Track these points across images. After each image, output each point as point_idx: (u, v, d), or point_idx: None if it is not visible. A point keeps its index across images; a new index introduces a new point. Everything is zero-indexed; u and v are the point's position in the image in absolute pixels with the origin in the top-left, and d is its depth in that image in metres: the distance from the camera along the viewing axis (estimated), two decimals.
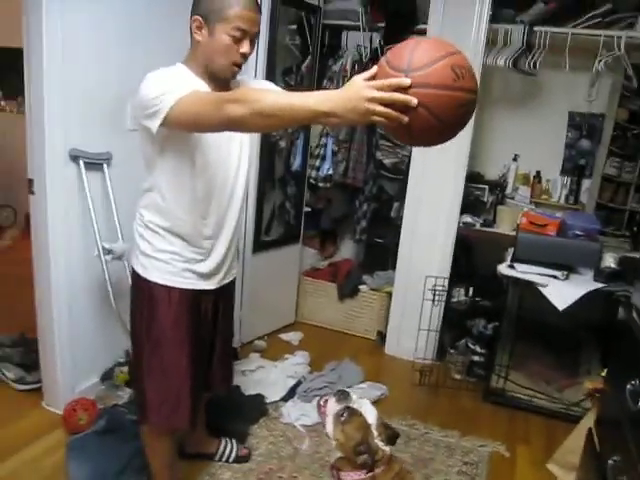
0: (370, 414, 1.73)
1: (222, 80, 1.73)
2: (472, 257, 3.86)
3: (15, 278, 2.51)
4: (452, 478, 2.41)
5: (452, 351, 3.51)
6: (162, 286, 1.81)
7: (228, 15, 1.60)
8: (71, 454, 2.25)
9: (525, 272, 2.91)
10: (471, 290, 3.54)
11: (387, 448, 1.72)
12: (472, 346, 3.44)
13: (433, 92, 1.21)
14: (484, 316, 3.57)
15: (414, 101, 1.20)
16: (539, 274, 2.88)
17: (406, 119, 1.23)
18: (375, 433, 1.70)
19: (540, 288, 2.84)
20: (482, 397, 3.14)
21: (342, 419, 1.69)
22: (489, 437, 2.74)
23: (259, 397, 2.83)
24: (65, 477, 2.17)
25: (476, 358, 3.38)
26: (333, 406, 1.75)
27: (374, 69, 1.29)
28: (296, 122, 1.39)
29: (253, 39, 1.69)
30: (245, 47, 1.66)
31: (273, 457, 2.44)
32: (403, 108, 1.21)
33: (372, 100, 1.22)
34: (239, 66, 1.71)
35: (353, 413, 1.71)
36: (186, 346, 1.85)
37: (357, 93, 1.24)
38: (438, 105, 1.22)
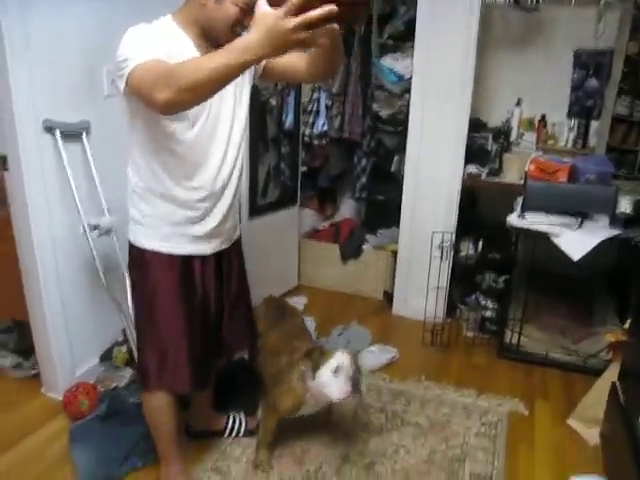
0: None
1: (218, 45, 1.57)
2: (479, 209, 3.72)
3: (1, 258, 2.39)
4: (471, 440, 2.32)
5: (462, 307, 3.40)
6: (150, 252, 1.75)
7: None
8: (75, 441, 2.18)
9: (536, 222, 2.76)
10: (480, 243, 3.40)
11: None
12: (483, 301, 3.33)
13: None
14: (493, 269, 3.45)
15: (333, 8, 1.10)
16: (551, 223, 2.74)
17: (336, 27, 1.21)
18: None
19: (553, 238, 2.70)
20: (496, 353, 3.04)
21: None
22: (506, 395, 2.65)
23: None
24: (70, 465, 2.09)
25: (488, 313, 3.27)
26: None
27: None
28: (228, 81, 1.31)
29: None
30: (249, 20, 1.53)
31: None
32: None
33: (295, 30, 1.13)
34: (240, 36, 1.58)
35: None
36: (180, 313, 1.78)
37: (276, 30, 1.15)
38: None
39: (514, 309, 3.06)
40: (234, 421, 2.31)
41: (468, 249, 3.54)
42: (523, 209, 2.85)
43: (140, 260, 1.77)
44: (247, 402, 2.47)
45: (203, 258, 1.82)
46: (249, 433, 2.31)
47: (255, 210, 3.27)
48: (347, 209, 4.15)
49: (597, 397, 2.38)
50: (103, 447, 2.11)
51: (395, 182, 3.51)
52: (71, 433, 2.20)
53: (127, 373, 2.52)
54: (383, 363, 2.88)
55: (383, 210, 3.72)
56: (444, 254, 3.10)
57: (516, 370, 2.91)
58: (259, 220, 3.31)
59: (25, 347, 2.65)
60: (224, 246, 1.88)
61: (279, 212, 3.54)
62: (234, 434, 2.30)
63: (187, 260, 1.78)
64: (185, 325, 1.79)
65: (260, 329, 2.30)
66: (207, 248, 1.81)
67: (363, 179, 3.73)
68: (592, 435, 2.35)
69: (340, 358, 1.90)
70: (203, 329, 1.86)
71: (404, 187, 3.35)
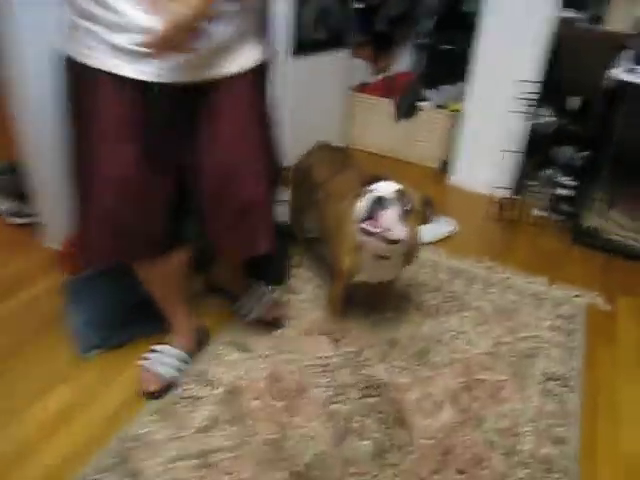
0: None
1: None
2: (562, 68, 3.09)
3: None
4: (544, 334, 1.93)
5: (533, 183, 2.90)
6: (71, 60, 1.22)
7: None
8: (70, 298, 1.84)
9: None
10: (580, 102, 2.82)
11: None
12: (558, 178, 2.83)
13: None
14: (574, 143, 2.92)
15: None
16: None
17: None
18: None
19: None
20: (571, 238, 2.58)
21: None
22: (583, 286, 2.22)
23: None
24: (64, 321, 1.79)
25: (563, 192, 2.78)
26: None
27: None
28: None
29: None
30: None
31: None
32: None
33: None
34: None
35: None
36: (100, 155, 1.26)
37: None
38: None
39: (598, 189, 2.56)
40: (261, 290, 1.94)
41: (546, 115, 2.98)
42: (636, 62, 2.27)
43: (66, 71, 1.26)
44: (278, 272, 2.12)
45: (147, 88, 1.20)
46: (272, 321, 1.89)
47: (299, 48, 2.70)
48: (404, 60, 3.55)
49: None
50: (101, 308, 1.78)
51: (466, 27, 2.89)
52: (66, 289, 1.87)
53: None
54: (441, 235, 2.45)
55: (449, 61, 3.13)
56: (525, 111, 2.55)
57: (594, 259, 2.46)
58: (303, 61, 2.76)
59: (25, 192, 2.28)
60: (198, 77, 1.24)
61: (327, 55, 2.97)
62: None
63: (119, 82, 1.19)
64: (104, 172, 1.27)
65: (321, 178, 1.95)
66: (147, 72, 1.19)
67: (428, 22, 3.10)
68: None
69: (379, 186, 1.57)
70: (140, 194, 1.32)
71: (480, 30, 2.74)
